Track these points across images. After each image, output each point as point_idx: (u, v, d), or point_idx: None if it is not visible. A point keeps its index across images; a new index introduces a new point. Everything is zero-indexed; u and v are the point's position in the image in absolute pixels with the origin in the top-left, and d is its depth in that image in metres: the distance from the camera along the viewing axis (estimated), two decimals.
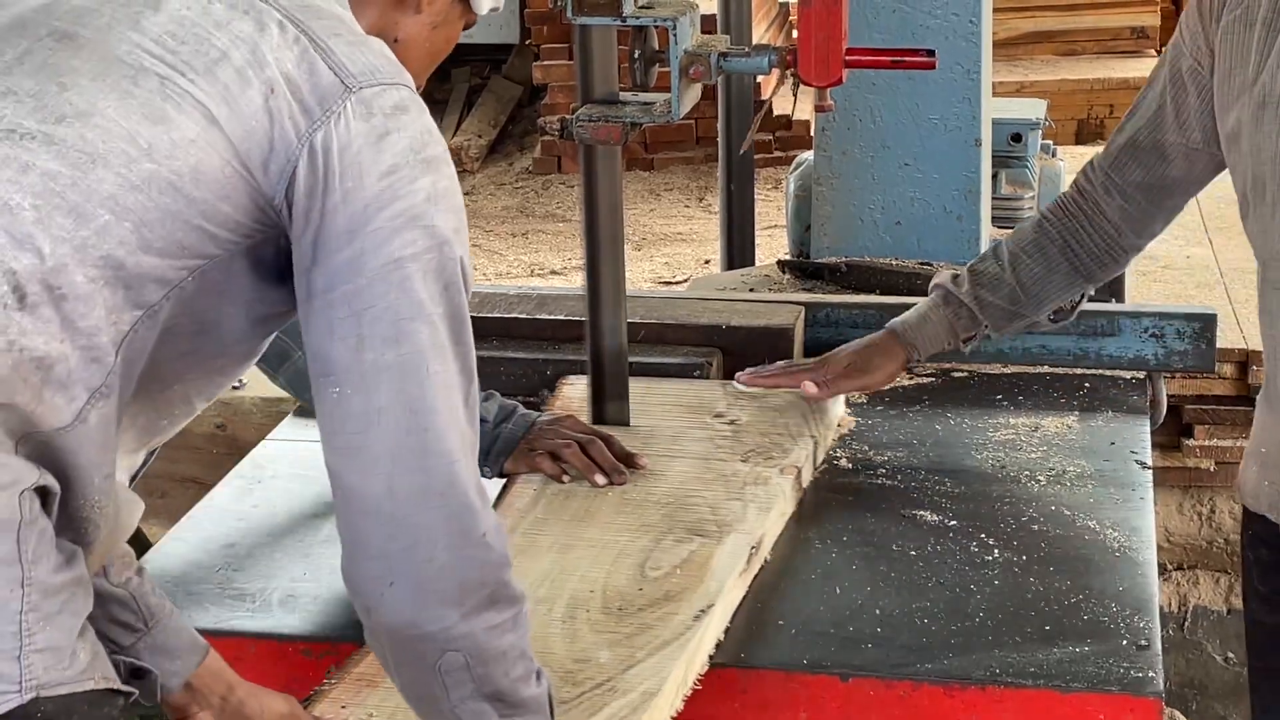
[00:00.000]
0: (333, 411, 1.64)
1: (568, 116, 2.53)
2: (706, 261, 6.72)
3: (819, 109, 2.58)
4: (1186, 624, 4.35)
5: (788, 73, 2.51)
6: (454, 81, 9.34)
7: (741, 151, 3.77)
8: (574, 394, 2.77)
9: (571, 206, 7.87)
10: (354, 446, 1.63)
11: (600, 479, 2.46)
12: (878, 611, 2.19)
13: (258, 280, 1.66)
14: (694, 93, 2.56)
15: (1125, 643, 2.10)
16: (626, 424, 2.67)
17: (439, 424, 1.64)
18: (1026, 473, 2.60)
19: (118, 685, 1.59)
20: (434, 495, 1.64)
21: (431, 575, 1.64)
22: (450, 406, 1.65)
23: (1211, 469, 4.34)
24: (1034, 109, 4.07)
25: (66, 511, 1.60)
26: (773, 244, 5.80)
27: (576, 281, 6.58)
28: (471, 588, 1.66)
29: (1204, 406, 4.26)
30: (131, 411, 1.67)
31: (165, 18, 1.65)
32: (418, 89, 1.75)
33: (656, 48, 2.54)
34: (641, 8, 2.47)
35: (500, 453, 2.51)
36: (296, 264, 1.64)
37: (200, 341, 1.68)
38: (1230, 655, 4.31)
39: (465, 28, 1.89)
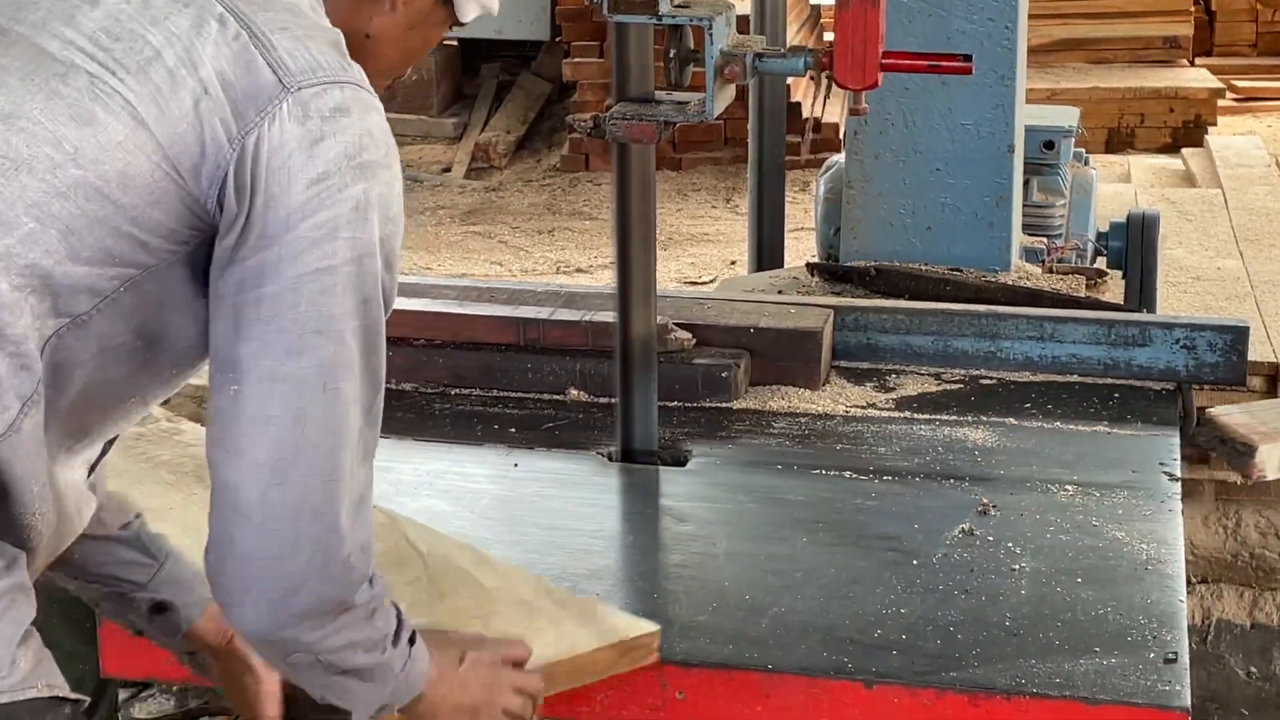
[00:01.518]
0: (227, 409, 1.62)
1: (599, 114, 2.52)
2: (732, 262, 6.71)
3: (853, 112, 2.56)
4: (1209, 637, 4.32)
5: (823, 75, 2.50)
6: (483, 77, 9.34)
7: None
8: None
9: (598, 204, 7.87)
10: (239, 448, 1.62)
11: None
12: (902, 618, 2.18)
13: (200, 288, 1.63)
14: (728, 93, 2.55)
15: (1152, 655, 2.08)
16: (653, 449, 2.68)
17: (327, 442, 1.62)
18: (1055, 482, 2.58)
19: (64, 693, 1.58)
20: (306, 512, 1.62)
21: (289, 590, 1.64)
22: (345, 424, 1.63)
23: (1239, 482, 4.31)
24: (1067, 116, 4.06)
25: (6, 519, 1.59)
26: (799, 246, 5.78)
27: (602, 279, 6.58)
28: (328, 607, 1.67)
29: None
30: (82, 418, 1.66)
31: (102, 13, 1.62)
32: (391, 86, 1.72)
33: (692, 47, 2.53)
34: (678, 6, 2.46)
35: None
36: (215, 261, 1.61)
37: (151, 355, 1.66)
38: (1253, 670, 4.28)
39: (451, 27, 1.83)
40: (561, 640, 2.03)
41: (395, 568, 2.11)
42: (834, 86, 2.51)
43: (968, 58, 2.55)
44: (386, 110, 1.68)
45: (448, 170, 8.60)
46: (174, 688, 4.32)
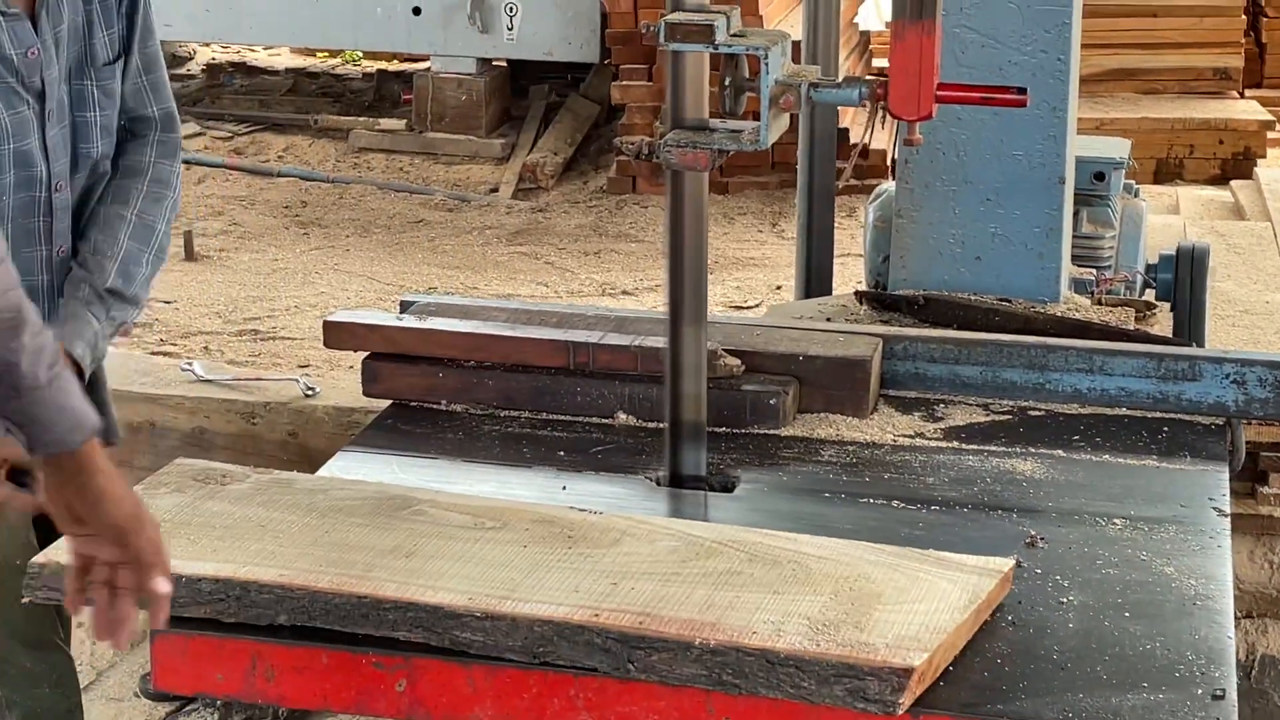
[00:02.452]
0: None
1: (649, 138, 2.54)
2: (778, 287, 6.72)
3: (907, 142, 2.58)
4: (1254, 672, 4.30)
5: (878, 105, 2.51)
6: (532, 99, 9.38)
7: (840, 186, 3.75)
8: None
9: (644, 227, 7.88)
10: None
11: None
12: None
13: None
14: (782, 122, 2.57)
15: (1200, 692, 2.08)
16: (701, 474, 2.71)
17: None
18: (1103, 515, 2.58)
19: None
20: None
21: None
22: None
23: None
24: (1118, 148, 4.05)
25: None
26: (845, 273, 5.78)
27: (647, 301, 6.60)
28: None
29: None
30: None
31: None
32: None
33: (747, 76, 2.55)
34: (734, 35, 2.48)
35: None
36: None
37: None
38: None
39: None
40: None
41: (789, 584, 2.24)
42: (888, 117, 2.52)
43: (1022, 90, 2.56)
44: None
45: (495, 190, 8.63)
46: (218, 703, 4.34)
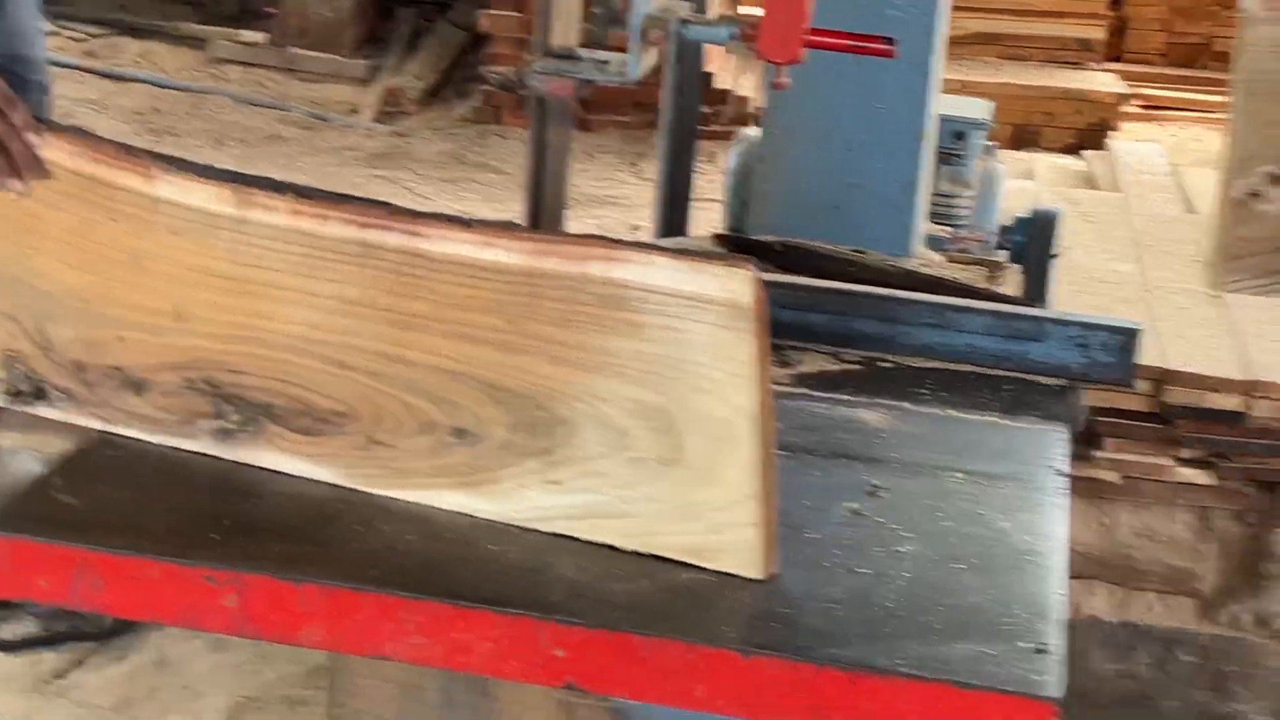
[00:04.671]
0: None
1: (515, 69, 2.51)
2: (636, 227, 6.71)
3: (775, 86, 2.58)
4: (1077, 632, 4.40)
5: (747, 46, 2.51)
6: (399, 21, 9.25)
7: None
8: None
9: (506, 158, 7.82)
10: None
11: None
12: (786, 592, 2.19)
13: None
14: (651, 57, 2.56)
15: (1026, 645, 2.12)
16: None
17: None
18: (945, 469, 2.60)
19: None
20: None
21: None
22: None
23: (1117, 482, 4.38)
24: (981, 109, 4.09)
25: None
26: (701, 217, 5.78)
27: None
28: None
29: (1116, 420, 4.30)
30: None
31: None
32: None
33: (618, 8, 2.53)
34: None
35: None
36: None
37: None
38: (1118, 667, 4.36)
39: None
40: None
41: None
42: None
43: (891, 41, 2.57)
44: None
45: (356, 112, 8.51)
46: (41, 609, 4.27)
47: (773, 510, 2.17)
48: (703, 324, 2.09)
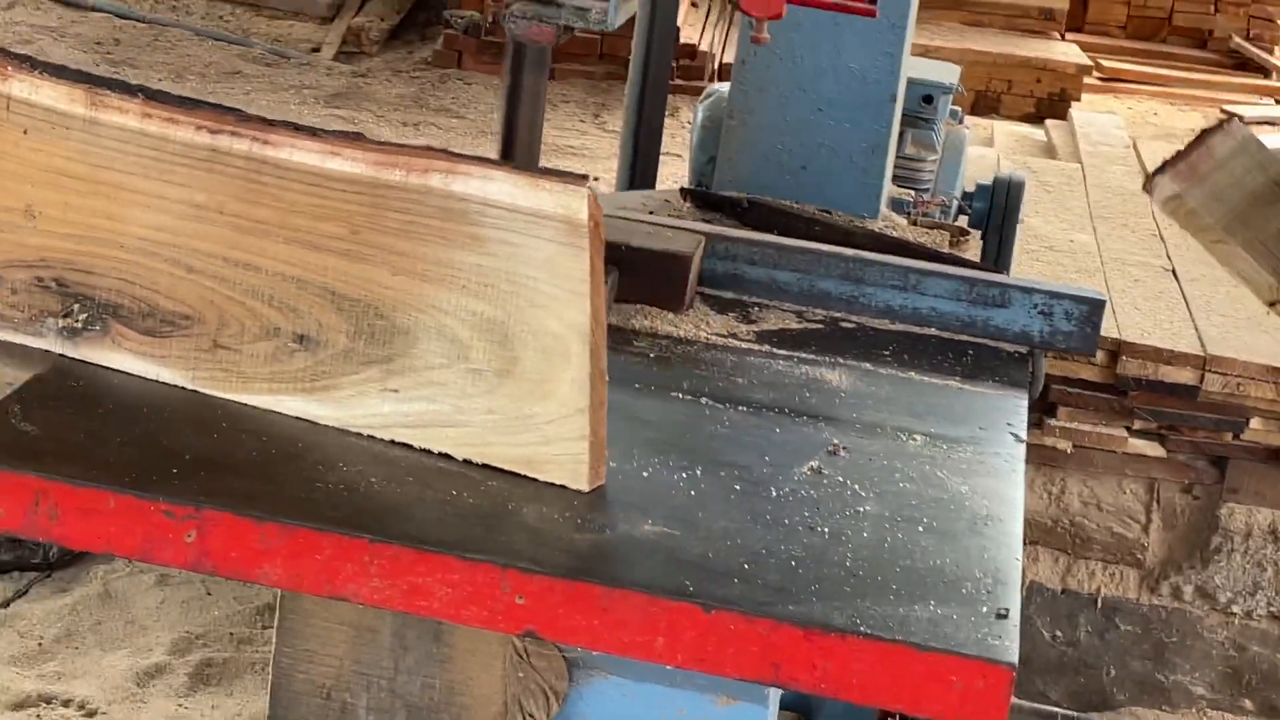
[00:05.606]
0: None
1: (479, 14, 2.50)
2: (597, 178, 6.69)
3: (754, 40, 2.57)
4: (1022, 598, 4.44)
5: (727, 1, 2.49)
6: None
7: None
8: None
9: (467, 103, 7.78)
10: None
11: None
12: (746, 548, 2.19)
13: None
14: (630, 7, 2.54)
15: (985, 610, 2.12)
16: None
17: None
18: (905, 430, 2.61)
19: None
20: None
21: None
22: None
23: (1068, 451, 4.41)
24: (949, 73, 4.09)
25: None
26: (664, 170, 5.77)
27: None
28: None
29: (1070, 389, 4.33)
30: None
31: None
32: None
33: None
34: None
35: None
36: None
37: None
38: (1059, 634, 4.40)
39: None
40: None
41: None
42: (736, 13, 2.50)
43: (872, 0, 2.56)
44: None
45: (317, 50, 8.45)
46: None
47: (601, 425, 2.18)
48: (540, 239, 2.10)
